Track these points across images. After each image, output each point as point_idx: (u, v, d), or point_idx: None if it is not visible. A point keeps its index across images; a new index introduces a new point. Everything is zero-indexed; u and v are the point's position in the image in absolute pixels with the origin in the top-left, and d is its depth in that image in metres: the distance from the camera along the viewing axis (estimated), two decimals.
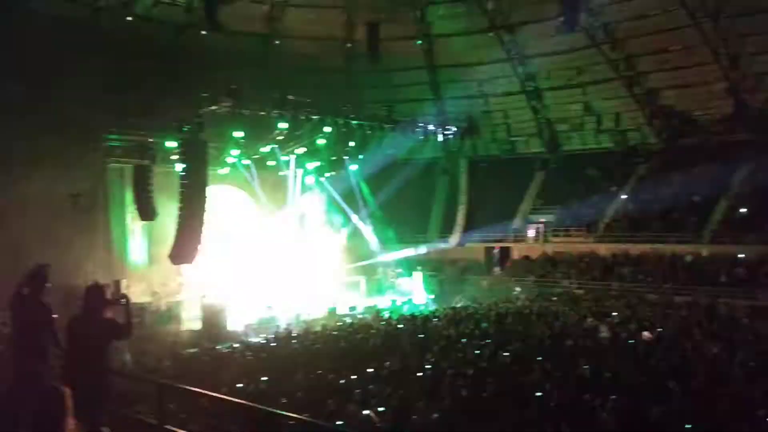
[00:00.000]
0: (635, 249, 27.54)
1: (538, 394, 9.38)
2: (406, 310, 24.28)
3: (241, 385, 11.01)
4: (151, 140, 23.15)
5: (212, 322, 21.19)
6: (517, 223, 32.20)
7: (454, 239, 28.14)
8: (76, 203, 20.96)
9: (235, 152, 25.80)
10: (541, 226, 31.67)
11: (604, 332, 15.24)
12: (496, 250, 32.16)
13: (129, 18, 23.23)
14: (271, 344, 16.26)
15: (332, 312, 24.38)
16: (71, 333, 6.15)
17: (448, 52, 30.47)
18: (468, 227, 27.41)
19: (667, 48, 27.04)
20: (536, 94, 31.42)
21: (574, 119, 31.66)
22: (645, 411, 8.16)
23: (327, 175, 30.42)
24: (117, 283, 21.97)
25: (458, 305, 23.93)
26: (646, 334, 14.83)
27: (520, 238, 31.70)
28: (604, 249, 29.01)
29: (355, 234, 31.56)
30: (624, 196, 29.90)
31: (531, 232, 32.05)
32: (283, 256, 28.56)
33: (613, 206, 29.91)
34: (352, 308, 25.30)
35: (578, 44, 27.98)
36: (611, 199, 30.05)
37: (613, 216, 29.62)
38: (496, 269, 31.71)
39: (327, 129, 25.28)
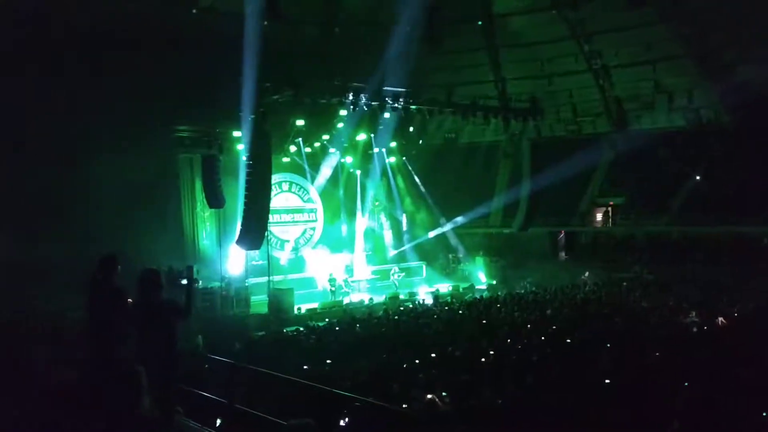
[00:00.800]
0: (709, 231, 26.48)
1: (607, 381, 9.17)
2: (468, 296, 24.18)
3: (306, 367, 11.22)
4: (217, 131, 23.72)
5: (278, 306, 21.67)
6: (583, 206, 31.48)
7: (517, 223, 27.74)
8: (149, 192, 21.71)
9: (298, 140, 26.12)
10: (609, 208, 30.86)
11: (690, 318, 14.70)
12: (561, 235, 31.56)
13: (194, 11, 23.81)
14: (335, 328, 16.50)
15: (394, 297, 24.59)
16: (137, 316, 6.39)
17: (509, 32, 29.87)
18: (532, 211, 26.93)
19: (741, 21, 25.65)
20: (603, 72, 30.42)
21: (643, 97, 30.51)
22: (716, 400, 7.87)
23: (387, 160, 30.56)
24: (189, 269, 22.64)
25: (522, 291, 23.67)
26: (721, 319, 14.27)
27: (587, 221, 31.00)
28: (676, 232, 27.99)
29: (416, 219, 31.64)
30: (697, 177, 28.70)
31: (599, 216, 31.29)
32: (346, 241, 28.98)
33: (685, 187, 28.78)
34: (414, 293, 25.41)
35: (647, 19, 26.91)
36: (683, 180, 28.92)
37: (686, 197, 28.51)
38: (562, 254, 31.13)
39: (386, 115, 25.34)
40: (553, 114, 32.09)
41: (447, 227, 30.78)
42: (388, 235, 31.42)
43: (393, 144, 29.78)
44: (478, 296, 22.49)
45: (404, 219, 31.49)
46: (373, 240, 30.78)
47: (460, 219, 30.57)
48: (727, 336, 12.75)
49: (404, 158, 30.90)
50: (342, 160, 29.29)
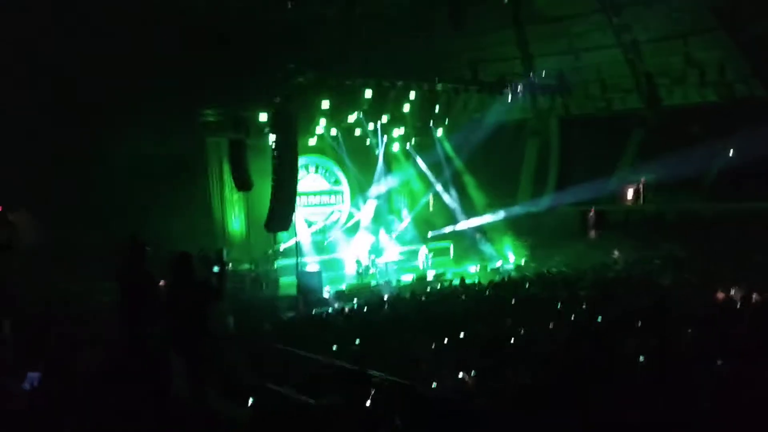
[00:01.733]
0: (742, 208, 25.88)
1: (641, 359, 9.04)
2: (495, 276, 24.10)
3: (335, 347, 11.30)
4: (243, 114, 23.84)
5: (307, 288, 21.89)
6: (613, 183, 31.00)
7: (545, 202, 27.45)
8: (179, 176, 21.94)
9: (323, 122, 26.21)
10: (640, 186, 30.36)
11: (724, 295, 14.42)
12: (591, 213, 31.16)
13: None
14: (363, 309, 16.57)
15: (422, 278, 24.68)
16: (170, 299, 6.46)
17: (535, 7, 29.27)
18: (560, 190, 26.59)
19: None
20: (633, 47, 29.71)
21: (674, 72, 29.74)
22: (751, 378, 7.71)
23: (412, 141, 30.55)
24: (220, 252, 22.94)
25: (552, 270, 23.51)
26: (756, 296, 13.96)
27: (617, 199, 30.55)
28: (708, 208, 27.42)
29: (442, 200, 31.54)
30: (730, 152, 28.01)
31: (629, 193, 30.81)
32: (373, 224, 29.07)
33: (718, 163, 28.11)
34: (441, 274, 25.39)
35: None
36: (716, 156, 28.24)
37: (718, 173, 27.87)
38: (592, 232, 30.76)
39: (412, 95, 25.17)
40: (582, 90, 31.51)
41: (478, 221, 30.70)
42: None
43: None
44: (505, 276, 22.37)
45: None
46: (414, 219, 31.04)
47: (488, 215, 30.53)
48: (762, 312, 12.48)
49: (436, 137, 30.70)
50: (369, 142, 29.35)
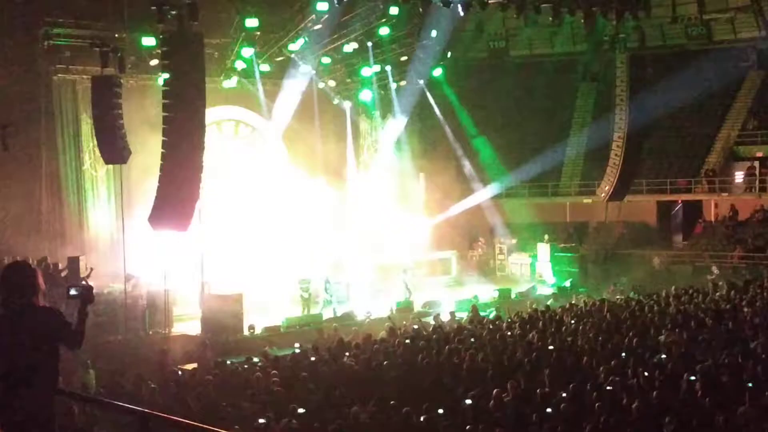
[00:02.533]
0: None
1: None
2: (524, 307, 24.11)
3: (263, 420, 11.29)
4: (117, 36, 23.45)
5: (220, 322, 21.71)
6: (713, 160, 31.24)
7: (605, 189, 27.51)
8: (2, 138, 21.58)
9: (248, 52, 26.07)
10: (755, 164, 30.61)
11: None
12: (678, 207, 31.36)
13: None
14: (311, 357, 16.45)
15: (405, 308, 24.79)
16: None
17: None
18: (629, 169, 26.66)
19: None
20: None
21: None
22: None
23: (395, 85, 30.69)
24: (73, 262, 22.62)
25: (613, 297, 23.60)
26: None
27: (720, 185, 30.80)
28: None
29: (441, 183, 31.67)
30: None
31: (739, 176, 31.04)
32: (329, 219, 28.96)
33: None
34: (436, 303, 25.43)
35: None
36: None
37: None
38: (678, 237, 30.96)
39: (393, 11, 25.08)
40: (664, 10, 31.67)
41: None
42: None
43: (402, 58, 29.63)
44: (541, 308, 22.38)
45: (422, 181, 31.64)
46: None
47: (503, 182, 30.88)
48: None
49: (421, 82, 30.77)
50: (321, 84, 29.48)
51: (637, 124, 25.90)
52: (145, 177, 23.10)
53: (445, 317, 22.38)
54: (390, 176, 32.16)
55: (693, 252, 29.22)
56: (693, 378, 12.53)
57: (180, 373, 16.57)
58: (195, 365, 17.79)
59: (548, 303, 23.95)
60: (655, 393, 11.92)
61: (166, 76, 20.72)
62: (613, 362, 14.13)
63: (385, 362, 15.41)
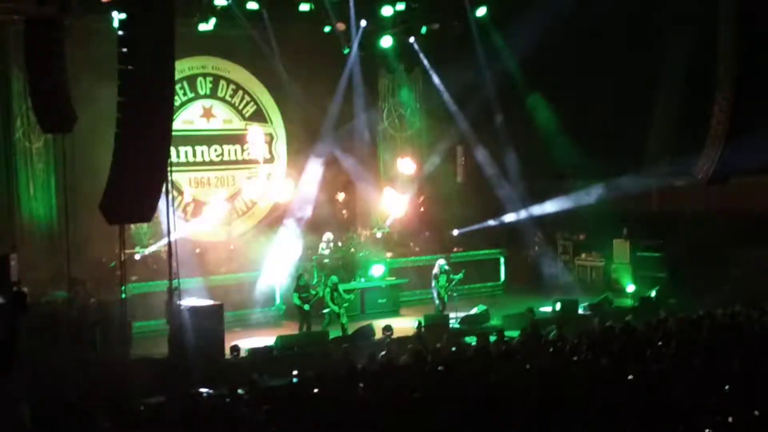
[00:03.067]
0: None
1: None
2: (596, 322, 24.14)
3: None
4: None
5: (194, 342, 21.87)
6: None
7: (703, 168, 27.35)
8: None
9: None
10: None
11: None
12: None
13: None
14: (314, 389, 16.50)
15: (437, 322, 24.96)
16: None
17: None
18: (736, 138, 26.49)
19: None
20: None
21: None
22: None
23: (422, 30, 31.22)
24: (1, 261, 22.71)
25: (714, 311, 23.54)
26: None
27: None
28: None
29: (480, 161, 31.92)
30: None
31: None
32: (330, 210, 29.20)
33: None
34: (477, 317, 25.75)
35: None
36: None
37: None
38: None
39: None
40: None
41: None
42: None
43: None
44: (618, 325, 22.38)
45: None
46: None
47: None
48: None
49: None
50: (327, 28, 29.78)
51: (748, 80, 25.70)
52: (96, 151, 23.21)
53: (490, 337, 22.40)
54: (416, 150, 32.32)
55: None
56: None
57: (143, 408, 16.69)
58: (161, 398, 17.91)
59: (627, 318, 23.96)
60: None
61: (122, 16, 20.73)
62: (713, 400, 14.12)
63: (413, 392, 15.44)
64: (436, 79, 32.06)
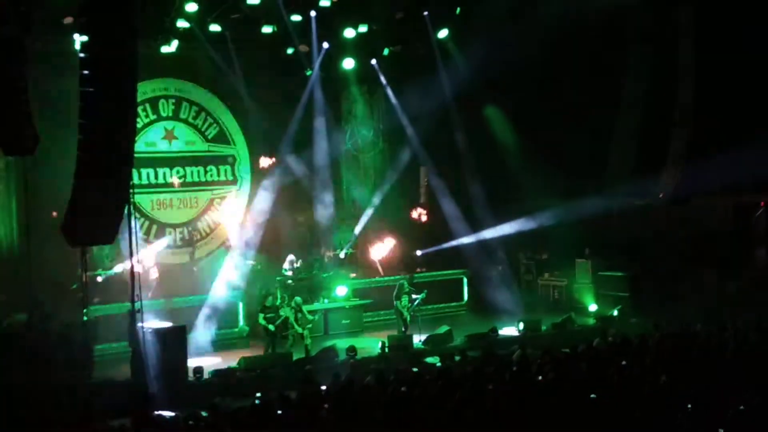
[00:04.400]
0: None
1: None
2: (560, 342, 24.14)
3: None
4: None
5: (156, 364, 21.74)
6: None
7: (666, 184, 27.53)
8: None
9: (193, 7, 26.17)
10: None
11: None
12: (760, 211, 31.37)
13: None
14: (276, 410, 16.41)
15: (400, 343, 24.97)
16: None
17: None
18: (697, 156, 26.63)
19: None
20: None
21: None
22: None
23: (383, 52, 31.39)
24: None
25: (674, 329, 23.61)
26: None
27: None
28: None
29: (448, 177, 31.87)
30: None
31: None
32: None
33: None
34: (440, 337, 25.71)
35: None
36: None
37: None
38: (761, 252, 30.98)
39: None
40: None
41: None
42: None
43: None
44: (581, 345, 22.37)
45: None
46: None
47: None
48: None
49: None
50: (290, 50, 29.79)
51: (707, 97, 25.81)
52: (58, 172, 23.04)
53: (455, 357, 22.37)
54: (381, 170, 32.36)
55: None
56: None
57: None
58: (124, 421, 17.78)
59: (595, 342, 23.98)
60: None
61: (84, 38, 20.64)
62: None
63: (373, 417, 15.39)
64: (395, 101, 32.06)
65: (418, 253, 32.04)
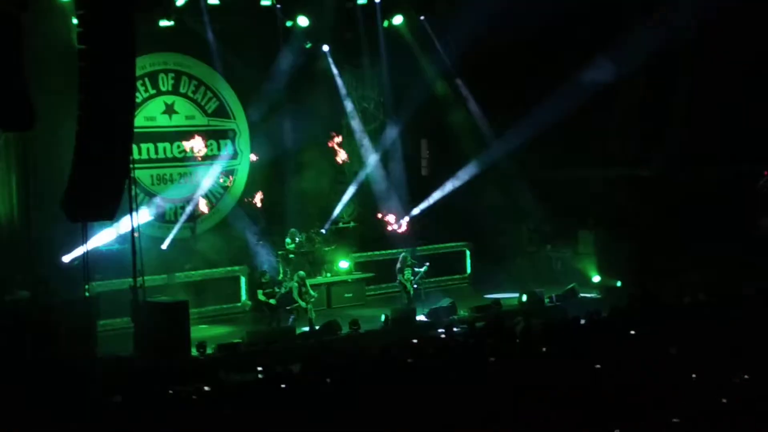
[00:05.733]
0: None
1: None
2: (563, 313, 24.14)
3: None
4: None
5: (159, 339, 21.80)
6: None
7: (662, 158, 27.40)
8: None
9: None
10: None
11: None
12: (763, 179, 31.28)
13: None
14: (280, 384, 16.37)
15: (403, 316, 25.00)
16: None
17: None
18: (695, 131, 26.50)
19: None
20: None
21: None
22: None
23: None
24: None
25: (680, 300, 23.56)
26: None
27: None
28: None
29: (449, 149, 31.84)
30: None
31: None
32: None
33: None
34: (443, 310, 25.73)
35: None
36: None
37: None
38: (764, 221, 30.92)
39: None
40: None
41: None
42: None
43: None
44: (582, 314, 22.32)
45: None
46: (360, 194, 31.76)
47: None
48: None
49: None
50: (289, 23, 29.69)
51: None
52: (58, 148, 23.00)
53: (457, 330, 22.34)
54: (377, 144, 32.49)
55: None
56: None
57: (108, 406, 16.50)
58: (128, 397, 17.74)
59: (594, 309, 23.94)
60: None
61: (81, 12, 20.52)
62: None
63: (377, 390, 15.34)
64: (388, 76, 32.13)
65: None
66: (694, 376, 14.82)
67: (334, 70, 31.30)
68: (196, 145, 28.88)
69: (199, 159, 29.08)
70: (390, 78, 32.08)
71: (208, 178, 29.19)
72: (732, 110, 29.15)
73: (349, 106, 31.87)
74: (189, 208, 28.67)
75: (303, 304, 25.01)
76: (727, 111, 29.32)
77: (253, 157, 29.89)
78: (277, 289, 25.42)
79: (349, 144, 32.37)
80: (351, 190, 31.55)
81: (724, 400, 13.38)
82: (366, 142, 32.36)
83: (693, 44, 28.77)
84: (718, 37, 28.49)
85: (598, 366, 15.87)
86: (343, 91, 31.67)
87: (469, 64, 31.53)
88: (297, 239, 28.43)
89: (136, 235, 22.49)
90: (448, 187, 31.64)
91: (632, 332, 18.63)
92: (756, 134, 30.06)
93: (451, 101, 32.34)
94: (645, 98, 31.48)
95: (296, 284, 25.17)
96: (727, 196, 31.20)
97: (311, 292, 25.42)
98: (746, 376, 14.58)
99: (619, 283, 28.39)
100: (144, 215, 26.41)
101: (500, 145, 31.51)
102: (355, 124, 32.26)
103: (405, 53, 31.72)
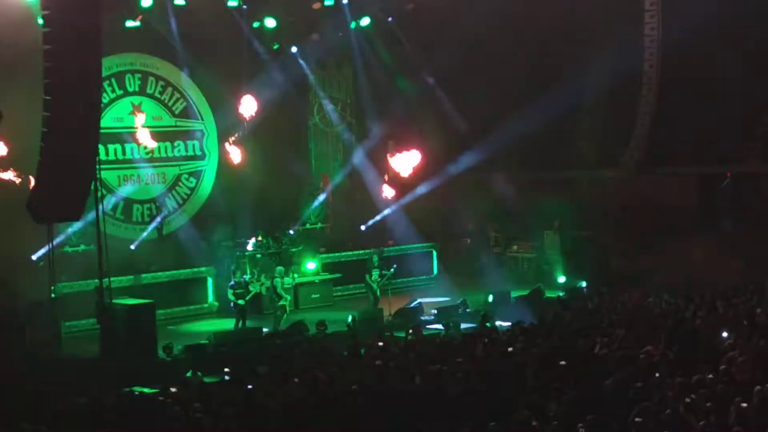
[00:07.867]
0: None
1: None
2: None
3: None
4: None
5: (125, 341, 21.75)
6: None
7: (632, 155, 27.45)
8: None
9: None
10: None
11: None
12: (726, 182, 31.40)
13: None
14: (247, 385, 16.31)
15: (370, 316, 25.09)
16: None
17: None
18: (662, 133, 26.60)
19: None
20: None
21: None
22: None
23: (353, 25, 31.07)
24: None
25: (643, 300, 23.65)
26: None
27: None
28: None
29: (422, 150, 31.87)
30: None
31: None
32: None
33: None
34: (410, 311, 25.85)
35: None
36: None
37: None
38: (726, 222, 31.04)
39: None
40: None
41: None
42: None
43: None
44: (550, 315, 22.39)
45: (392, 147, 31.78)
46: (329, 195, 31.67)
47: None
48: None
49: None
50: (256, 24, 29.68)
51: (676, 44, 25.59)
52: (23, 148, 22.85)
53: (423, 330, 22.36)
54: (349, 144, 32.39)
55: (744, 239, 29.28)
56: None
57: (73, 409, 16.37)
58: (93, 398, 17.60)
59: (558, 309, 24.01)
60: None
61: (47, 12, 20.41)
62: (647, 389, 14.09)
63: (346, 390, 15.31)
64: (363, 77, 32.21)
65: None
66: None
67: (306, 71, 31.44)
68: (163, 145, 28.87)
69: (167, 160, 29.05)
70: (358, 79, 32.02)
71: (175, 178, 29.16)
72: (697, 112, 29.29)
73: (318, 107, 31.96)
74: (156, 209, 28.68)
75: (288, 297, 25.29)
76: (692, 113, 29.48)
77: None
78: (250, 288, 25.35)
79: (317, 145, 32.45)
80: (320, 192, 31.49)
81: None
82: (335, 143, 32.46)
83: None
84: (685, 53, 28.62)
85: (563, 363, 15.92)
86: (312, 92, 31.70)
87: (439, 64, 31.52)
88: (264, 240, 28.34)
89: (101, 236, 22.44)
90: (419, 188, 31.57)
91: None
92: (720, 136, 30.27)
93: (421, 102, 32.31)
94: (612, 102, 31.65)
95: (279, 280, 25.17)
96: (691, 198, 31.42)
97: (284, 293, 25.43)
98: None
99: (584, 284, 28.43)
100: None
101: (469, 146, 31.50)
102: (324, 125, 32.34)
103: (373, 54, 31.73)
